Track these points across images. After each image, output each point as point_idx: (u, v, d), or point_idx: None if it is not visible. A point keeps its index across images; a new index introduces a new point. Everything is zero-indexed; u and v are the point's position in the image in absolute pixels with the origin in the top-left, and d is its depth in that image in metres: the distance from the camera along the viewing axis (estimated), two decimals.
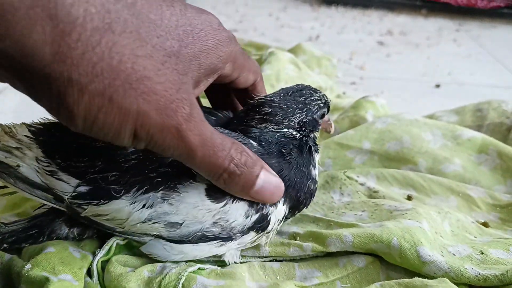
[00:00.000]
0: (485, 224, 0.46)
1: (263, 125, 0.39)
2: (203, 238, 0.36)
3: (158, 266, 0.38)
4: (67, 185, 0.35)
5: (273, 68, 0.73)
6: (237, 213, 0.36)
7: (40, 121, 0.39)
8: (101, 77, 0.26)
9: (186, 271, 0.37)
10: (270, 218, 0.38)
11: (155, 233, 0.36)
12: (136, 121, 0.28)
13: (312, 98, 0.42)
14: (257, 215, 0.37)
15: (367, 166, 0.54)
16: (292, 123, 0.40)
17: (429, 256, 0.38)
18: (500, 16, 1.46)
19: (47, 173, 0.35)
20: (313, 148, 0.42)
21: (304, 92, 0.42)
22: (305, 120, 0.41)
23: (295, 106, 0.40)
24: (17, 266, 0.36)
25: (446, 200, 0.49)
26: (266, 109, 0.40)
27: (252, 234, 0.38)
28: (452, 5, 1.47)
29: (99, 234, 0.40)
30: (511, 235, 0.44)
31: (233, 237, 0.37)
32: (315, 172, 0.42)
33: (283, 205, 0.39)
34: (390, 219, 0.42)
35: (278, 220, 0.39)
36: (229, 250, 0.39)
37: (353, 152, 0.55)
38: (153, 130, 0.29)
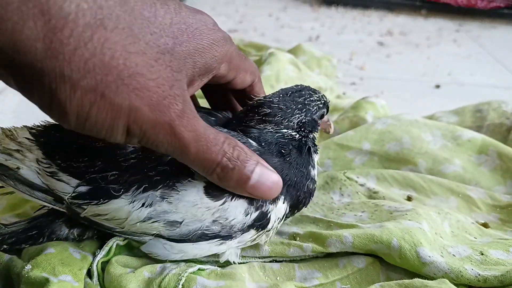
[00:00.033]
0: (485, 225, 0.46)
1: (262, 125, 0.39)
2: (203, 236, 0.36)
3: (158, 266, 0.38)
4: (67, 186, 0.35)
5: (273, 69, 0.73)
6: (236, 210, 0.36)
7: (41, 123, 0.39)
8: (93, 73, 0.26)
9: (186, 271, 0.37)
10: (270, 216, 0.38)
11: (155, 232, 0.36)
12: (128, 117, 0.28)
13: (312, 98, 0.42)
14: (257, 212, 0.37)
15: (367, 166, 0.54)
16: (291, 124, 0.40)
17: (429, 257, 0.38)
18: (500, 17, 1.46)
19: (48, 174, 0.35)
20: (312, 149, 0.42)
21: (303, 92, 0.42)
22: (304, 120, 0.41)
23: (294, 107, 0.40)
24: (17, 267, 0.36)
25: (446, 200, 0.49)
26: (265, 110, 0.40)
27: (252, 232, 0.38)
28: (452, 6, 1.47)
29: (99, 235, 0.40)
30: (511, 236, 0.44)
31: (233, 236, 0.37)
32: (314, 172, 0.42)
33: (283, 203, 0.39)
34: (390, 220, 0.42)
35: (279, 218, 0.39)
36: (229, 249, 0.39)
37: (353, 153, 0.55)
38: (146, 126, 0.29)
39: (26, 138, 0.37)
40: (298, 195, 0.40)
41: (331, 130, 0.47)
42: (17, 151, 0.36)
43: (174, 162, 0.34)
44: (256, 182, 0.34)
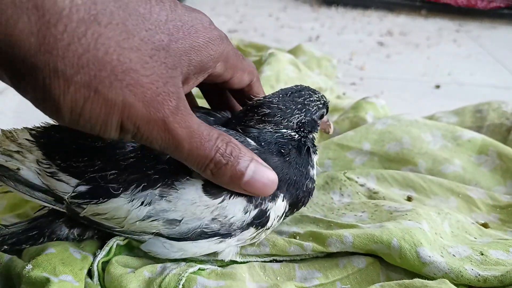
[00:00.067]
0: (485, 225, 0.46)
1: (261, 125, 0.40)
2: (203, 234, 0.37)
3: (158, 266, 0.38)
4: (67, 186, 0.35)
5: (273, 69, 0.73)
6: (235, 208, 0.36)
7: (40, 124, 0.39)
8: (86, 68, 0.26)
9: (186, 271, 0.37)
10: (269, 214, 0.38)
11: (154, 231, 0.37)
12: (122, 113, 0.28)
13: (311, 98, 0.42)
14: (256, 210, 0.37)
15: (367, 167, 0.54)
16: (291, 124, 0.40)
17: (429, 257, 0.38)
18: (500, 17, 1.46)
19: (48, 174, 0.36)
20: (311, 149, 0.42)
21: (303, 92, 0.42)
22: (304, 120, 0.41)
23: (293, 107, 0.41)
24: (17, 267, 0.36)
25: (446, 201, 0.49)
26: (265, 110, 0.40)
27: (252, 230, 0.38)
28: (452, 6, 1.47)
29: (99, 234, 0.40)
30: (511, 236, 0.44)
31: (232, 234, 0.37)
32: (313, 172, 0.42)
33: (283, 201, 0.39)
34: (390, 220, 0.42)
35: (278, 216, 0.39)
36: (229, 247, 0.39)
37: (353, 153, 0.55)
38: (139, 122, 0.29)
39: (26, 139, 0.37)
40: (297, 194, 0.40)
41: (331, 130, 0.47)
42: (17, 152, 0.36)
43: (173, 161, 0.34)
44: (250, 178, 0.34)
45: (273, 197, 0.38)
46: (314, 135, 0.43)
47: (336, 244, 0.40)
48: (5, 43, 0.24)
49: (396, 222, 0.41)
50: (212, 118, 0.42)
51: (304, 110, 0.41)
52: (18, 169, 0.36)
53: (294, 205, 0.41)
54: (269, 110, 0.40)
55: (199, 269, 0.38)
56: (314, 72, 0.85)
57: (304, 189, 0.41)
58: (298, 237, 0.42)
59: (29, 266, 0.35)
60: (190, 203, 0.35)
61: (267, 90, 0.67)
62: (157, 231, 0.37)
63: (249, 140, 0.38)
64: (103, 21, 0.26)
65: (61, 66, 0.25)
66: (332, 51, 1.10)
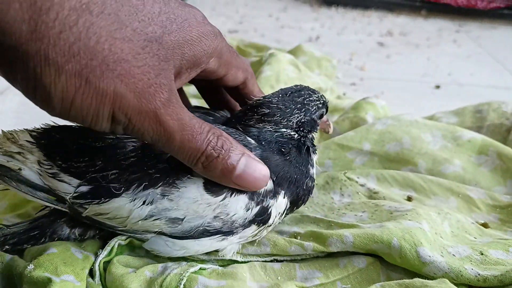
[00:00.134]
0: (485, 225, 0.46)
1: (261, 125, 0.40)
2: (205, 233, 0.37)
3: (159, 266, 0.38)
4: (68, 186, 0.35)
5: (273, 69, 0.74)
6: (237, 206, 0.36)
7: (41, 126, 0.39)
8: (78, 57, 0.26)
9: (187, 271, 0.37)
10: (271, 211, 0.38)
11: (157, 229, 0.37)
12: (113, 104, 0.28)
13: (311, 98, 0.42)
14: (258, 207, 0.37)
15: (367, 167, 0.54)
16: (291, 123, 0.40)
17: (429, 256, 0.38)
18: (500, 17, 1.46)
19: (49, 175, 0.36)
20: (311, 149, 0.42)
21: (302, 92, 0.42)
22: (303, 120, 0.41)
23: (293, 107, 0.41)
24: (19, 267, 0.36)
25: (446, 201, 0.49)
26: (264, 110, 0.40)
27: (254, 227, 0.38)
28: (452, 6, 1.47)
29: (100, 234, 0.40)
30: (511, 236, 0.44)
31: (234, 231, 0.38)
32: (313, 171, 0.42)
33: (284, 197, 0.39)
34: (390, 220, 0.42)
35: (279, 213, 0.40)
36: (231, 244, 0.39)
37: (353, 153, 0.56)
38: (131, 113, 0.29)
39: (27, 140, 0.37)
40: (297, 191, 0.40)
41: (331, 130, 0.47)
42: (18, 153, 0.36)
43: (174, 160, 0.34)
44: (242, 172, 0.34)
45: (274, 194, 0.38)
46: (313, 134, 0.43)
47: (336, 244, 0.40)
48: None
49: (396, 222, 0.41)
50: (211, 118, 0.42)
51: (303, 109, 0.41)
52: (20, 169, 0.36)
53: (294, 202, 0.41)
54: (268, 110, 0.40)
55: (200, 268, 0.38)
56: (314, 72, 0.85)
57: (304, 187, 0.41)
58: (298, 237, 0.42)
59: (31, 266, 0.35)
60: (192, 201, 0.35)
61: (267, 90, 0.67)
62: (159, 230, 0.37)
63: (249, 139, 0.38)
64: (95, 10, 0.26)
65: (52, 54, 0.25)
66: (332, 51, 1.10)
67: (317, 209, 0.48)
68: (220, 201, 0.36)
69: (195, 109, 0.43)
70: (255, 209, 0.37)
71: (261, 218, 0.38)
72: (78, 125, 0.39)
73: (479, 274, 0.37)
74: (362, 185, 0.51)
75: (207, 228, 0.36)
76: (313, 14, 1.49)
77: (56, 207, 0.37)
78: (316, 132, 0.43)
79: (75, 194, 0.35)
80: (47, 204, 0.37)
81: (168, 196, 0.35)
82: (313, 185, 0.42)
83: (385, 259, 0.40)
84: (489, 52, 1.19)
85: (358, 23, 1.41)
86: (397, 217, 0.43)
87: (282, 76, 0.73)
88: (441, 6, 1.49)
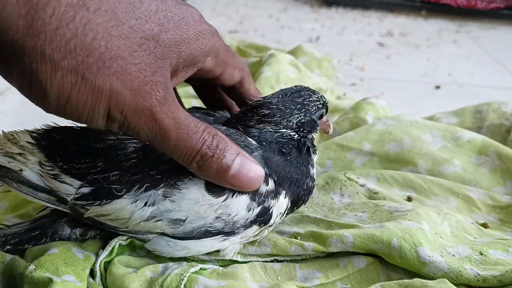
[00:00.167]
0: (484, 225, 0.46)
1: (261, 125, 0.40)
2: (207, 233, 0.37)
3: (160, 266, 0.38)
4: (70, 187, 0.36)
5: (273, 70, 0.74)
6: (238, 206, 0.37)
7: (41, 127, 0.39)
8: (74, 53, 0.26)
9: (188, 271, 0.37)
10: (272, 211, 0.39)
11: (159, 230, 0.37)
12: (109, 101, 0.28)
13: (311, 99, 0.42)
14: (259, 208, 0.38)
15: (367, 167, 0.55)
16: (291, 124, 0.40)
17: (429, 256, 0.38)
18: (500, 17, 1.46)
19: (51, 176, 0.36)
20: (311, 149, 0.42)
21: (302, 93, 0.42)
22: (303, 120, 0.41)
23: (293, 107, 0.41)
24: (19, 267, 0.36)
25: (446, 201, 0.49)
26: (264, 110, 0.40)
27: (255, 227, 0.38)
28: (452, 6, 1.47)
29: (101, 234, 0.40)
30: (511, 236, 0.44)
31: (236, 231, 0.38)
32: (313, 171, 0.42)
33: (285, 198, 0.39)
34: (390, 220, 0.43)
35: (280, 213, 0.40)
36: (232, 244, 0.39)
37: (353, 154, 0.56)
38: (126, 111, 0.29)
39: (27, 141, 0.37)
40: (298, 191, 0.40)
41: (330, 131, 0.47)
42: (19, 154, 0.36)
43: (175, 161, 0.34)
44: (236, 172, 0.34)
45: (276, 195, 0.38)
46: (313, 135, 0.43)
47: (336, 244, 0.40)
48: None
49: (396, 222, 0.41)
50: (211, 118, 0.42)
51: (303, 110, 0.41)
52: (21, 170, 0.36)
53: (295, 202, 0.41)
54: (268, 111, 0.40)
55: (200, 268, 0.38)
56: (314, 73, 0.85)
57: (305, 187, 0.41)
58: (299, 237, 0.42)
59: (32, 267, 0.35)
60: (193, 202, 0.35)
61: (267, 91, 0.67)
62: (161, 231, 0.37)
63: (250, 140, 0.39)
64: (91, 7, 0.26)
65: (48, 50, 0.25)
66: (332, 51, 1.10)
67: (317, 209, 0.48)
68: (222, 201, 0.36)
69: (195, 110, 0.43)
70: (257, 210, 0.37)
71: (263, 218, 0.38)
72: (79, 126, 0.39)
73: (478, 274, 0.37)
74: (362, 186, 0.51)
75: (208, 228, 0.37)
76: (313, 14, 1.49)
77: (58, 208, 0.37)
78: (316, 132, 0.43)
79: (76, 196, 0.35)
80: (49, 205, 0.37)
81: (169, 197, 0.35)
82: (314, 185, 0.43)
83: (385, 259, 0.40)
84: (489, 52, 1.19)
85: (358, 23, 1.41)
86: (397, 217, 0.43)
87: (282, 76, 0.73)
88: (441, 7, 1.49)
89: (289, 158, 0.40)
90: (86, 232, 0.39)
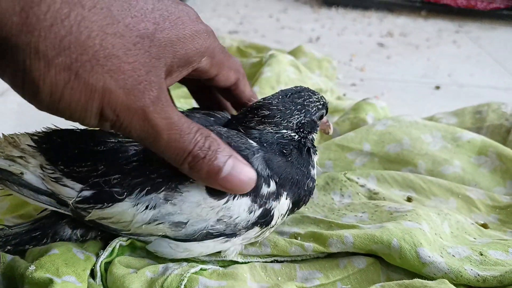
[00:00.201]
0: (484, 226, 0.46)
1: (262, 126, 0.40)
2: (208, 235, 0.37)
3: (160, 267, 0.38)
4: (71, 191, 0.36)
5: (274, 71, 0.74)
6: (240, 209, 0.37)
7: (42, 129, 0.39)
8: (68, 51, 0.26)
9: (188, 272, 0.37)
10: (273, 213, 0.39)
11: (161, 233, 0.37)
12: (102, 99, 0.28)
13: (311, 99, 0.42)
14: (261, 210, 0.38)
15: (368, 168, 0.55)
16: (291, 124, 0.40)
17: (429, 257, 0.38)
18: (500, 18, 1.46)
19: (52, 179, 0.36)
20: (311, 149, 0.42)
21: (302, 94, 0.42)
22: (303, 121, 0.41)
23: (293, 108, 0.41)
24: (20, 268, 0.36)
25: (446, 201, 0.49)
26: (264, 111, 0.40)
27: (256, 229, 0.39)
28: (452, 7, 1.47)
29: (102, 235, 0.40)
30: (511, 237, 0.44)
31: (238, 233, 0.38)
32: (313, 172, 0.42)
33: (286, 199, 0.39)
34: (390, 221, 0.43)
35: (282, 214, 0.40)
36: (234, 245, 0.39)
37: (353, 154, 0.56)
38: (119, 110, 0.29)
39: (28, 145, 0.37)
40: (299, 192, 0.41)
41: (330, 131, 0.47)
42: (20, 157, 0.36)
43: None
44: (228, 174, 0.33)
45: (277, 196, 0.38)
46: (313, 135, 0.43)
47: (336, 244, 0.40)
48: None
49: (396, 223, 0.41)
50: (212, 119, 0.42)
51: (303, 111, 0.41)
52: (22, 173, 0.36)
53: (296, 203, 0.41)
54: (268, 112, 0.40)
55: (201, 269, 0.38)
56: (314, 73, 0.85)
57: (305, 188, 0.41)
58: (299, 238, 0.42)
59: (32, 267, 0.35)
60: (195, 205, 0.35)
61: (268, 91, 0.67)
62: (163, 234, 0.37)
63: (251, 141, 0.39)
64: (87, 4, 0.26)
65: (42, 47, 0.25)
66: (333, 52, 1.10)
67: (318, 209, 0.48)
68: (223, 204, 0.36)
69: (195, 111, 0.43)
70: (258, 212, 0.37)
71: (264, 220, 0.38)
72: (80, 128, 0.39)
73: (478, 275, 0.37)
74: (362, 186, 0.51)
75: (210, 231, 0.37)
76: (314, 15, 1.49)
77: (59, 210, 0.37)
78: (316, 133, 0.44)
79: (78, 199, 0.35)
80: (50, 207, 0.37)
81: (171, 200, 0.35)
82: (314, 185, 0.43)
83: (385, 260, 0.40)
84: (489, 52, 1.19)
85: (358, 23, 1.41)
86: (397, 218, 0.43)
87: (283, 77, 0.73)
88: (441, 7, 1.49)
89: (290, 159, 0.40)
90: (87, 233, 0.39)
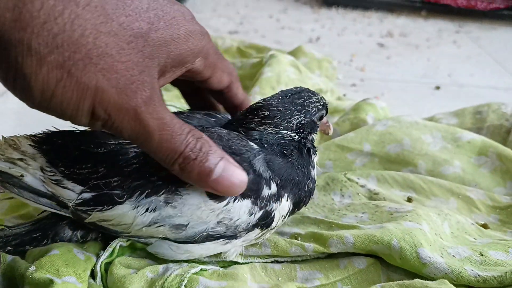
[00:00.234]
0: (484, 226, 0.47)
1: (262, 127, 0.40)
2: (209, 237, 0.37)
3: (160, 267, 0.38)
4: (71, 193, 0.36)
5: (274, 71, 0.74)
6: (240, 211, 0.37)
7: (42, 131, 0.39)
8: (61, 49, 0.26)
9: (188, 272, 0.37)
10: (274, 215, 0.39)
11: (161, 235, 0.37)
12: (94, 98, 0.28)
13: (311, 100, 0.42)
14: (261, 212, 0.38)
15: (368, 168, 0.55)
16: (291, 125, 0.40)
17: (429, 257, 0.38)
18: (500, 18, 1.46)
19: (53, 182, 0.36)
20: (311, 150, 0.42)
21: (302, 94, 0.42)
22: (303, 122, 0.41)
23: (293, 108, 0.41)
24: (20, 268, 0.36)
25: (446, 202, 0.49)
26: (264, 112, 0.40)
27: (257, 231, 0.39)
28: (452, 7, 1.47)
29: (102, 237, 0.40)
30: (511, 237, 0.44)
31: (238, 235, 0.38)
32: (314, 172, 0.42)
33: (287, 200, 0.39)
34: (391, 221, 0.43)
35: (282, 216, 0.40)
36: (234, 247, 0.39)
37: (353, 154, 0.56)
38: (111, 109, 0.28)
39: (29, 145, 0.37)
40: (299, 193, 0.41)
41: (330, 132, 0.47)
42: (20, 160, 0.36)
43: None
44: (218, 176, 0.33)
45: (278, 198, 0.38)
46: (313, 136, 0.43)
47: (337, 245, 0.40)
48: None
49: (397, 223, 0.41)
50: (213, 119, 0.42)
51: (303, 111, 0.41)
52: (22, 176, 0.36)
53: (296, 204, 0.41)
54: (268, 113, 0.40)
55: (201, 269, 0.38)
56: (314, 73, 0.85)
57: (306, 189, 0.41)
58: (299, 238, 0.42)
59: (33, 268, 0.35)
60: (195, 208, 0.35)
61: (268, 92, 0.67)
62: (163, 236, 0.37)
63: (252, 144, 0.39)
64: (81, 2, 0.26)
65: (35, 45, 0.25)
66: (333, 52, 1.10)
67: (318, 210, 0.48)
68: (223, 206, 0.36)
69: (196, 111, 0.43)
70: (259, 214, 0.37)
71: (265, 222, 0.38)
72: (80, 130, 0.39)
73: (479, 275, 0.37)
74: (362, 186, 0.51)
75: (210, 233, 0.37)
76: (314, 15, 1.49)
77: (59, 212, 0.37)
78: (316, 133, 0.44)
79: (78, 201, 0.35)
80: (50, 210, 0.37)
81: (171, 203, 0.35)
82: (314, 186, 0.43)
83: (386, 260, 0.40)
84: (489, 53, 1.19)
85: (358, 24, 1.41)
86: (397, 218, 0.43)
87: (283, 77, 0.73)
88: (441, 7, 1.48)
89: (290, 160, 0.40)
90: (87, 234, 0.39)
